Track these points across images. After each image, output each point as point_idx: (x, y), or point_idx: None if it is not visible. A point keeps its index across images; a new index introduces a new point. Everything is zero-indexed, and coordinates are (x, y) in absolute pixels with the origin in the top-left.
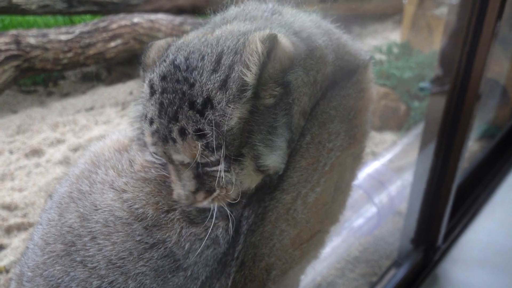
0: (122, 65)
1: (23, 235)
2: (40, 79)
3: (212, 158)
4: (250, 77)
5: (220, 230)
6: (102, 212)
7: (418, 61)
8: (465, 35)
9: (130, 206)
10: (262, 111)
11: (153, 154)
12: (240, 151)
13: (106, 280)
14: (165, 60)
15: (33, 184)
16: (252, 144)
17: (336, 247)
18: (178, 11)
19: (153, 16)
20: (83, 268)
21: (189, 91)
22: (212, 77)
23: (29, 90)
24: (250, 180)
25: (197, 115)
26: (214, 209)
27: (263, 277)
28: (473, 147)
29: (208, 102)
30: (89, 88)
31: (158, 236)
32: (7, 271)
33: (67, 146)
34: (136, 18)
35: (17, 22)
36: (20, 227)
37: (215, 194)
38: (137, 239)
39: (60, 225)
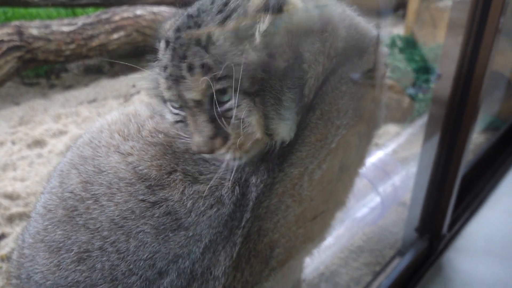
0: (125, 57)
1: (25, 224)
2: (42, 71)
3: (221, 92)
4: (252, 22)
5: (226, 189)
6: (106, 174)
7: (423, 54)
8: (468, 31)
9: (134, 168)
10: (275, 71)
11: (169, 102)
12: (253, 92)
13: (108, 240)
14: (180, 16)
15: (35, 174)
16: (264, 101)
17: (339, 236)
18: (181, 3)
19: (156, 9)
20: (85, 230)
21: (196, 31)
22: (216, 17)
23: (32, 83)
24: (256, 126)
25: (202, 50)
26: (223, 162)
27: (267, 254)
28: (477, 139)
29: (210, 38)
30: (92, 81)
31: (161, 195)
32: (9, 259)
33: (70, 137)
34: (139, 10)
35: (20, 14)
36: (22, 216)
37: (230, 141)
38: (140, 198)
39: (61, 192)
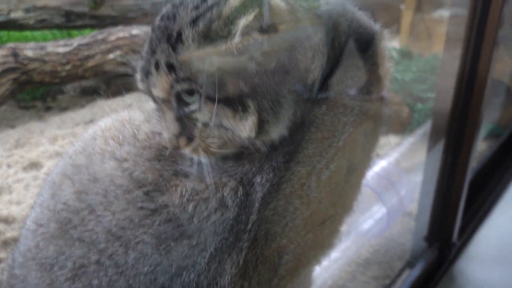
0: (121, 77)
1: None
2: (38, 94)
3: (187, 92)
4: (222, 23)
5: (228, 190)
6: (102, 182)
7: (419, 64)
8: (466, 45)
9: (131, 174)
10: (262, 70)
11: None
12: (223, 98)
13: (105, 253)
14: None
15: (31, 197)
16: (258, 102)
17: (345, 249)
18: None
19: None
20: (81, 243)
21: (170, 26)
22: (191, 13)
23: (28, 106)
24: (243, 129)
25: (170, 48)
26: (199, 162)
27: (275, 261)
28: (480, 147)
29: (179, 36)
30: (88, 102)
31: (160, 201)
32: None
33: None
34: (135, 30)
35: (15, 37)
36: (18, 241)
37: (195, 142)
38: (138, 205)
39: (53, 204)
